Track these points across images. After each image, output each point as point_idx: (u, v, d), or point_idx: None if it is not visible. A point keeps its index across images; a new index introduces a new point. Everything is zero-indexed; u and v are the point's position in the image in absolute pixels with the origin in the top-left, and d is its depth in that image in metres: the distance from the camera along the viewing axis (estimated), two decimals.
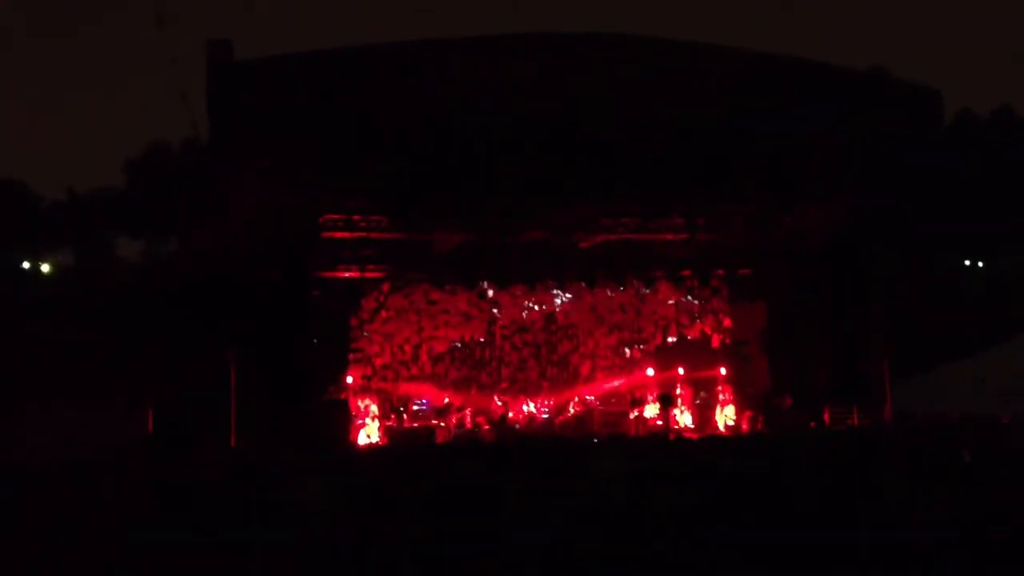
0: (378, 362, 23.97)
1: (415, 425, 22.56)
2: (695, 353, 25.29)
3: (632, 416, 23.51)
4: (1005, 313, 25.61)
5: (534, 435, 22.44)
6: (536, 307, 24.85)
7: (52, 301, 33.71)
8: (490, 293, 24.09)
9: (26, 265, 40.52)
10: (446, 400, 23.69)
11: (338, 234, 21.54)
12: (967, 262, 35.94)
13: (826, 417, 21.83)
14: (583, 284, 24.12)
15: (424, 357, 24.42)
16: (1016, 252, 34.80)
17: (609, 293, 24.90)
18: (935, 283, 28.36)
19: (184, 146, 46.04)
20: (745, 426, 22.79)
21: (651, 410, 23.76)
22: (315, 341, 20.47)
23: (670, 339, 25.50)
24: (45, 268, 40.44)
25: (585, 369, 25.43)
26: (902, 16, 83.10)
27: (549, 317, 25.20)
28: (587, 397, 24.84)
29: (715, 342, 25.24)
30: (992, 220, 35.34)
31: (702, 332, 25.35)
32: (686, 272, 24.31)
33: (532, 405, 24.16)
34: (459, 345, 24.67)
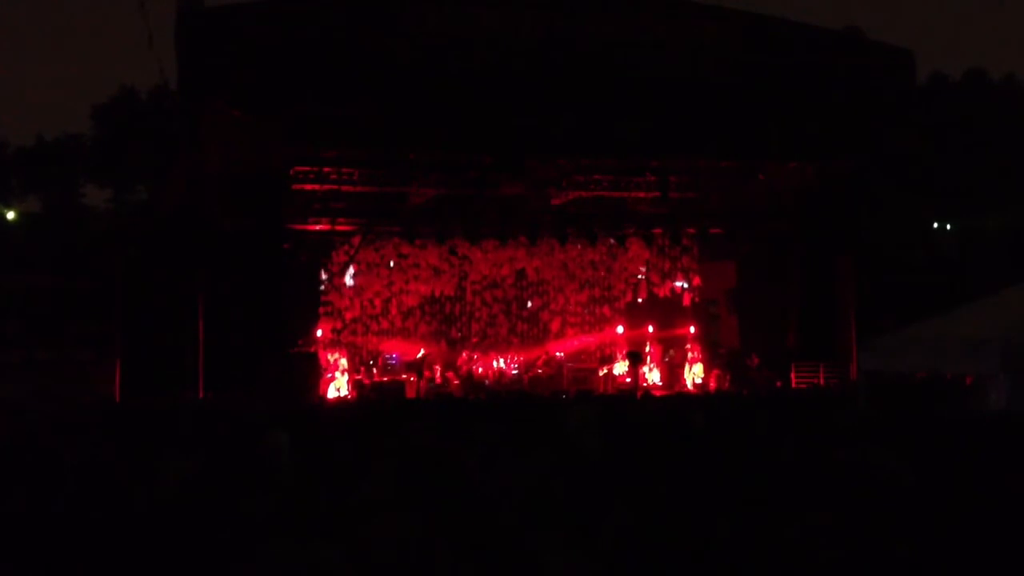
0: (348, 316, 23.96)
1: (385, 379, 22.57)
2: (665, 311, 25.46)
3: (601, 373, 23.63)
4: (974, 273, 25.90)
5: (503, 390, 22.53)
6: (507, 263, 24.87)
7: (18, 248, 33.36)
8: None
9: None
10: (421, 352, 23.70)
11: (309, 186, 21.34)
12: (935, 224, 36.27)
13: (792, 376, 22.03)
14: (555, 241, 24.12)
15: (394, 311, 24.42)
16: (986, 212, 35.16)
17: (581, 249, 24.96)
18: (904, 243, 28.56)
19: (153, 93, 45.45)
20: (713, 384, 22.97)
21: (620, 367, 23.90)
22: (285, 293, 20.35)
23: (640, 299, 25.64)
24: (10, 215, 39.94)
25: (555, 326, 25.55)
26: None
27: (520, 273, 25.23)
28: (557, 353, 24.96)
29: (685, 300, 25.39)
30: (963, 180, 35.65)
31: (672, 290, 25.50)
32: (657, 230, 24.39)
33: (502, 361, 24.23)
34: (430, 300, 24.68)
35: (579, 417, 14.89)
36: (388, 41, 18.67)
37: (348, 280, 23.68)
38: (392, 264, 24.16)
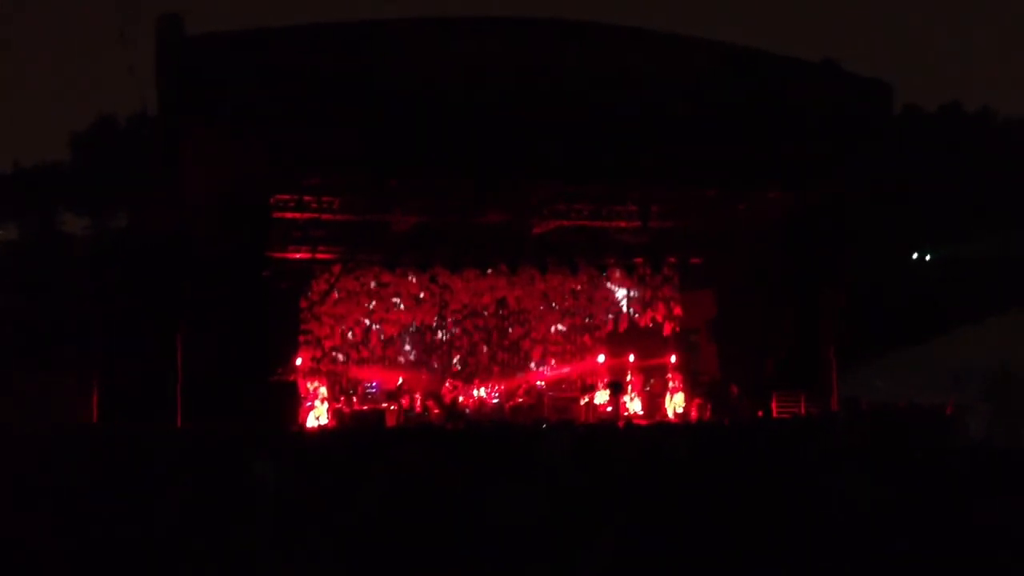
0: (328, 344, 23.86)
1: (365, 408, 22.44)
2: (646, 341, 25.47)
3: (583, 403, 23.57)
4: (952, 303, 26.00)
5: (484, 419, 22.43)
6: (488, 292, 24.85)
7: None
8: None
9: None
10: (400, 380, 23.63)
11: (289, 214, 21.29)
12: (915, 255, 36.47)
13: (773, 405, 22.02)
14: (535, 270, 24.14)
15: (374, 340, 24.34)
16: (963, 242, 35.37)
17: (562, 279, 24.99)
18: (883, 272, 28.72)
19: (132, 121, 45.33)
20: (694, 414, 22.93)
21: (601, 396, 23.84)
22: (264, 321, 20.23)
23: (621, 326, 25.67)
24: None
25: (536, 354, 25.52)
26: (853, 12, 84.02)
27: (500, 302, 25.23)
28: (538, 383, 24.90)
29: (666, 330, 25.41)
30: (940, 211, 35.90)
31: (653, 320, 25.52)
32: (638, 260, 24.46)
33: (483, 390, 24.14)
34: (411, 329, 24.62)
35: (556, 447, 14.88)
36: (369, 69, 18.68)
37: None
38: (372, 293, 24.10)
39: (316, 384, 22.02)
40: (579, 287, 25.56)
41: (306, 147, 18.54)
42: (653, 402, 23.91)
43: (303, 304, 23.09)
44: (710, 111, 19.76)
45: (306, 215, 21.48)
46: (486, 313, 25.24)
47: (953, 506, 11.54)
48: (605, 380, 24.32)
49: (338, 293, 23.84)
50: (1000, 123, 46.33)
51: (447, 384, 23.85)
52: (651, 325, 25.54)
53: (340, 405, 22.44)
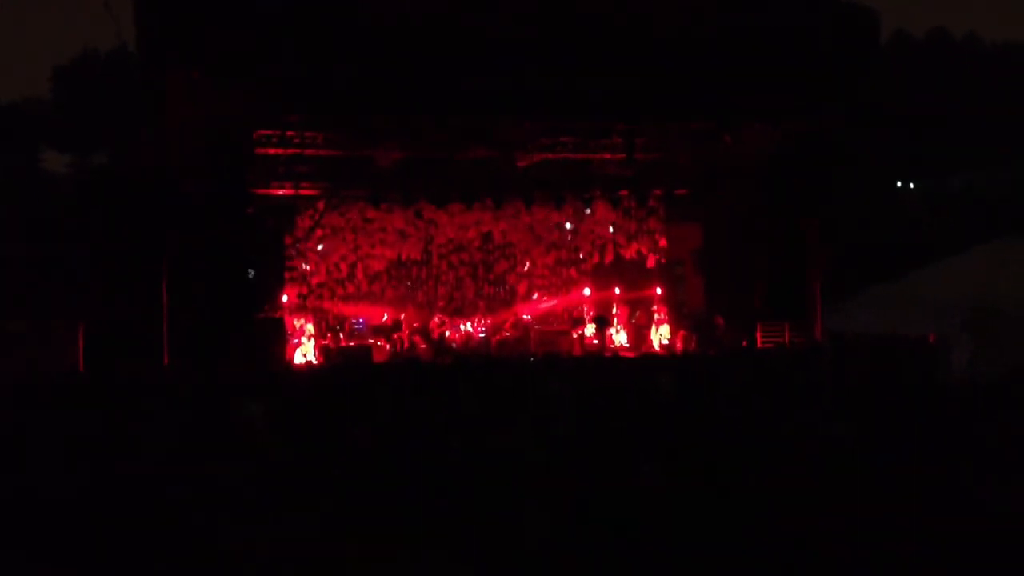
0: (313, 280, 23.87)
1: (352, 344, 22.50)
2: (631, 273, 25.55)
3: (575, 336, 23.68)
4: (939, 233, 26.12)
5: (471, 353, 22.54)
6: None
7: None
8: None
9: None
10: (385, 316, 23.69)
11: (272, 150, 21.14)
12: (899, 183, 36.52)
13: (758, 336, 22.19)
14: (521, 203, 24.10)
15: (360, 276, 24.33)
16: (950, 173, 35.43)
17: (547, 212, 24.95)
18: (869, 204, 28.75)
19: (114, 55, 44.66)
20: (679, 345, 23.08)
21: (588, 330, 23.96)
22: (250, 262, 20.20)
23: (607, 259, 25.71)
24: None
25: (522, 288, 25.58)
26: None
27: (486, 236, 25.20)
28: (524, 316, 24.99)
29: (651, 262, 25.47)
30: (927, 140, 35.89)
31: (638, 252, 25.56)
32: (623, 192, 24.44)
33: (469, 324, 24.21)
34: (396, 264, 24.62)
35: (554, 391, 14.97)
36: (351, 2, 18.45)
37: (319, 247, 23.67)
38: (357, 228, 24.05)
39: (303, 321, 22.03)
40: (565, 220, 25.52)
41: (288, 82, 18.36)
42: (639, 334, 24.02)
43: (288, 241, 23.06)
44: (695, 43, 19.62)
45: (289, 151, 21.34)
46: (472, 248, 25.22)
47: (928, 439, 11.75)
48: (591, 313, 24.41)
49: (323, 229, 23.78)
50: (987, 49, 46.10)
51: (435, 319, 23.90)
52: (636, 257, 25.58)
53: (327, 342, 22.48)
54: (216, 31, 17.84)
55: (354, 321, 23.52)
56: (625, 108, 20.30)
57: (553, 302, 25.64)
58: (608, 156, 22.89)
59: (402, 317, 23.78)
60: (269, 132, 20.62)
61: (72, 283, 19.67)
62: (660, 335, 23.74)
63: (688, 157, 23.63)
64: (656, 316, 24.11)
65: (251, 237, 20.44)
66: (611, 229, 25.74)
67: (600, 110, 20.20)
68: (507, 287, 25.54)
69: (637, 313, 24.58)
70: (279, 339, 20.70)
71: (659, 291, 24.70)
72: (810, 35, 20.49)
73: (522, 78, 18.84)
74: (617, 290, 24.87)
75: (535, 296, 25.67)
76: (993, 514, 8.57)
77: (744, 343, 22.19)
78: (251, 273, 20.15)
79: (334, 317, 23.67)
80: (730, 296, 23.48)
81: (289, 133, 20.83)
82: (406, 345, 22.73)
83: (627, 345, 23.71)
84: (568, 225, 25.69)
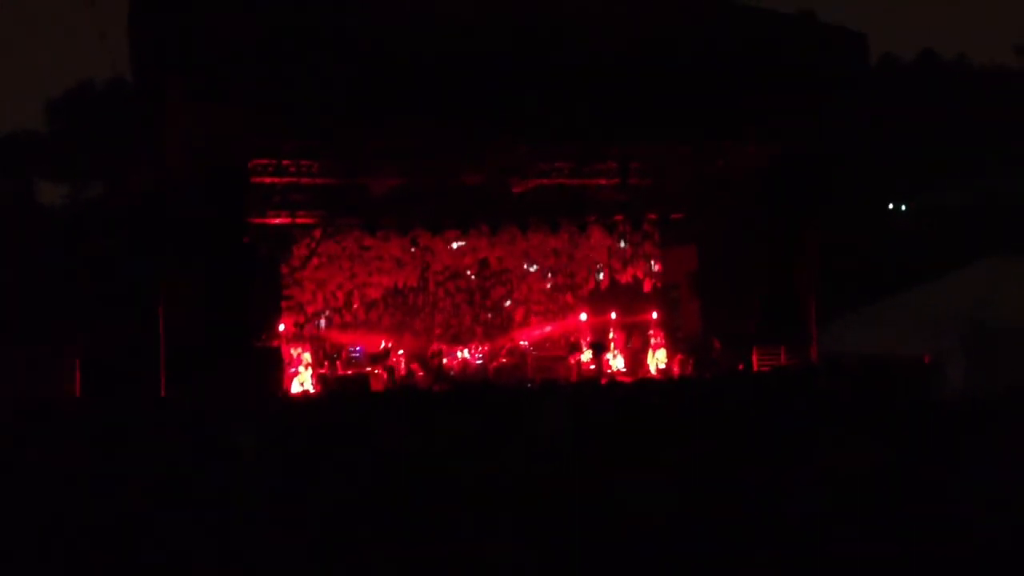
0: (310, 309, 23.87)
1: (349, 372, 22.48)
2: (627, 297, 25.58)
3: (573, 362, 23.66)
4: (931, 252, 26.19)
5: (469, 380, 22.50)
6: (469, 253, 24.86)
7: None
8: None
9: None
10: (383, 344, 23.65)
11: (268, 179, 21.23)
12: (891, 205, 36.67)
13: (754, 359, 22.19)
14: (516, 229, 24.16)
15: (357, 304, 24.34)
16: (942, 192, 35.58)
17: (542, 238, 25.01)
18: (862, 223, 28.86)
19: (109, 86, 44.74)
20: (676, 369, 23.09)
21: (585, 355, 23.95)
22: (246, 287, 20.20)
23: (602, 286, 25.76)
24: None
25: (519, 315, 25.59)
26: None
27: (483, 263, 25.25)
28: (521, 342, 24.98)
29: (647, 286, 25.52)
30: (915, 161, 36.06)
31: (634, 276, 25.62)
32: (619, 217, 24.51)
33: (466, 351, 24.21)
34: (393, 291, 24.62)
35: (550, 413, 14.97)
36: (347, 28, 18.54)
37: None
38: (354, 256, 24.08)
39: (300, 350, 22.03)
40: (560, 245, 25.59)
41: (283, 107, 18.43)
42: (635, 359, 24.03)
43: (284, 270, 23.10)
44: (687, 65, 19.74)
45: (285, 179, 21.45)
46: (468, 274, 25.26)
47: (926, 456, 11.75)
48: (588, 339, 24.42)
49: (319, 258, 23.82)
50: (976, 71, 46.39)
51: (435, 346, 23.89)
52: (632, 282, 25.64)
53: (324, 370, 22.45)
54: (212, 59, 17.92)
55: (351, 349, 23.50)
56: (618, 132, 20.42)
57: (549, 328, 25.65)
58: (603, 181, 23.00)
59: (391, 345, 23.66)
60: (265, 161, 20.72)
61: (68, 312, 19.68)
62: (657, 359, 23.75)
63: (682, 180, 23.72)
64: (653, 340, 24.13)
65: (248, 266, 20.47)
66: (607, 254, 25.81)
67: (593, 134, 20.30)
68: (504, 313, 25.55)
69: (633, 337, 24.58)
70: (276, 369, 20.69)
71: (655, 315, 24.73)
72: (799, 58, 20.64)
73: (517, 103, 18.93)
74: (613, 315, 24.90)
75: (532, 322, 25.67)
76: (981, 535, 8.57)
77: (740, 366, 22.19)
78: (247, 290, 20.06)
79: (331, 346, 23.64)
80: (726, 319, 23.51)
81: (285, 162, 20.93)
82: (403, 372, 22.71)
83: (624, 370, 23.71)
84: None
